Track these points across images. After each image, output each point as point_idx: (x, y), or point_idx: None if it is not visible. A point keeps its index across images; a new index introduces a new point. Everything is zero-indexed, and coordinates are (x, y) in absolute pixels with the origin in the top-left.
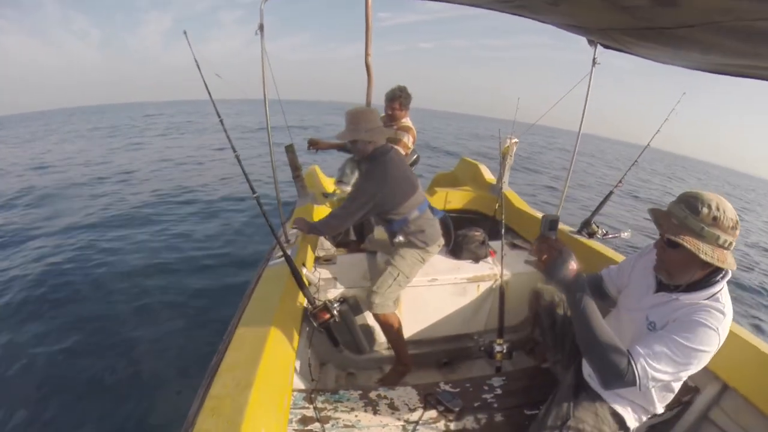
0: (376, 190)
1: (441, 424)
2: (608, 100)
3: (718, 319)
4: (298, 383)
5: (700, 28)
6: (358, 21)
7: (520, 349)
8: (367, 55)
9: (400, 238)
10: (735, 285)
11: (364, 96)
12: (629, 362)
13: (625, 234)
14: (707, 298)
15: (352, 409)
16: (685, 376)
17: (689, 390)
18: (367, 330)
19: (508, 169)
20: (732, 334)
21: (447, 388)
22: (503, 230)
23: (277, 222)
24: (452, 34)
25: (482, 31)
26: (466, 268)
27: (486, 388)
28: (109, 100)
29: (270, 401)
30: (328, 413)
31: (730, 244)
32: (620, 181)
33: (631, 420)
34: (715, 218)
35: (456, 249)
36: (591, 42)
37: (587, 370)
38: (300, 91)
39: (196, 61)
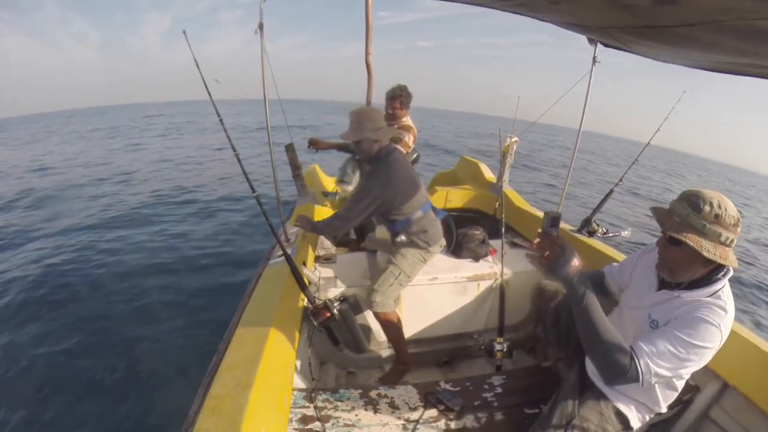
0: (380, 191)
1: (441, 423)
2: (608, 98)
3: (720, 315)
4: (299, 382)
5: (701, 27)
6: (358, 20)
7: (521, 347)
8: (367, 54)
9: (402, 238)
10: (735, 281)
11: (365, 95)
12: (632, 358)
13: (626, 233)
14: (709, 296)
15: (353, 408)
16: (687, 373)
17: (690, 389)
18: (367, 329)
19: (508, 168)
20: (732, 333)
21: (447, 386)
22: (503, 229)
23: (276, 221)
24: (452, 33)
25: (483, 29)
26: (466, 267)
27: (486, 386)
28: (108, 102)
29: (270, 400)
30: (329, 412)
31: (732, 241)
32: (620, 180)
33: (635, 420)
34: (716, 216)
35: (456, 248)
36: (591, 40)
37: (591, 367)
38: (300, 90)
39: (195, 61)
